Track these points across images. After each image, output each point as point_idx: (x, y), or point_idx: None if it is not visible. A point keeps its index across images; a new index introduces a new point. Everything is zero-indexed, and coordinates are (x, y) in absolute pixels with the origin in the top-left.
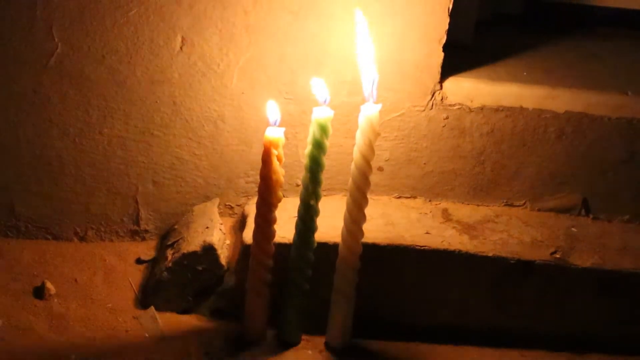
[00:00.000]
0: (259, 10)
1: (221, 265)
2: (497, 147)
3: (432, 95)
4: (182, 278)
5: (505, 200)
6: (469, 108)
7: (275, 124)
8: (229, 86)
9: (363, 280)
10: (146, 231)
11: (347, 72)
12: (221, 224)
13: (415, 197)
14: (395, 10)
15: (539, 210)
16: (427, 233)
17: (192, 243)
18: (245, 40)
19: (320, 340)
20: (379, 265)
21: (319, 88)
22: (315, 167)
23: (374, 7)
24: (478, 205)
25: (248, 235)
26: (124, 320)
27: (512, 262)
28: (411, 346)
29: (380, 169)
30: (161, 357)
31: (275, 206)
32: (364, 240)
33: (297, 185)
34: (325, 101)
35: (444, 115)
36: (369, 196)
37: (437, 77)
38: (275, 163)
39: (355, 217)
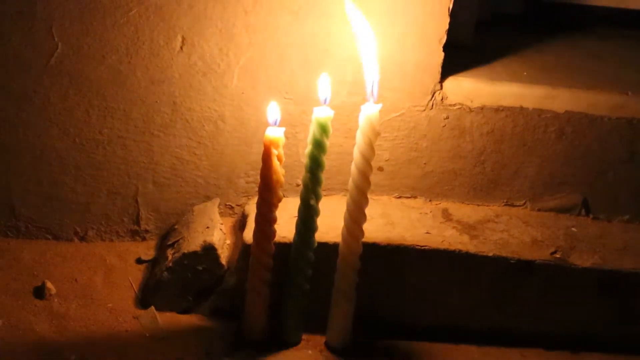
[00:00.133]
0: (259, 10)
1: (221, 265)
2: (497, 147)
3: (432, 95)
4: (183, 278)
5: (505, 200)
6: (469, 108)
7: (275, 123)
8: (229, 86)
9: (363, 280)
10: (146, 231)
11: (347, 72)
12: (221, 223)
13: (415, 197)
14: (395, 10)
15: (539, 210)
16: (427, 233)
17: (193, 243)
18: (245, 40)
19: (320, 340)
20: (379, 265)
21: (325, 86)
22: (315, 166)
23: (374, 7)
24: (478, 205)
25: (248, 235)
26: (124, 320)
27: (512, 262)
28: (411, 345)
29: (380, 168)
30: (161, 357)
31: (276, 206)
32: (364, 240)
33: (298, 185)
34: (325, 101)
35: (444, 115)
36: (369, 196)
37: (437, 77)
38: (276, 163)
39: (356, 217)
